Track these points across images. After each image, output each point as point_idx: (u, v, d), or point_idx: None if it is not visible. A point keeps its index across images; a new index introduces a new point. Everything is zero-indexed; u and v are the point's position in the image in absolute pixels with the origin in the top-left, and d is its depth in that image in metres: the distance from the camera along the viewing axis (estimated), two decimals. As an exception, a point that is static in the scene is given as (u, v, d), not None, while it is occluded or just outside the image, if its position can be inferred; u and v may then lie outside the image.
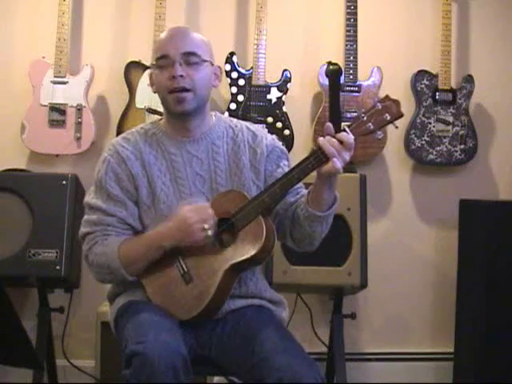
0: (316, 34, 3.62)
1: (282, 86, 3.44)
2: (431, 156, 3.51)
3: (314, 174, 2.06)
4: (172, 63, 2.12)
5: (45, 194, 3.05)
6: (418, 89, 3.52)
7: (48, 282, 3.12)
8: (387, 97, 2.03)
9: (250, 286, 2.19)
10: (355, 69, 3.46)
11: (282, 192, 2.08)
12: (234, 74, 3.43)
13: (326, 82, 3.43)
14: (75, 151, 3.37)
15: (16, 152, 3.44)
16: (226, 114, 3.35)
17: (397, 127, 2.05)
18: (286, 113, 3.43)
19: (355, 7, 3.45)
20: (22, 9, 3.50)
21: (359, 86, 3.47)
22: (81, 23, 3.51)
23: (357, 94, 3.47)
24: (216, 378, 3.01)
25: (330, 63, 3.44)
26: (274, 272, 3.03)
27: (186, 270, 2.09)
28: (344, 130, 2.01)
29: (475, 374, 3.17)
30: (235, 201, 2.10)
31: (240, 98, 3.42)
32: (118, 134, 3.32)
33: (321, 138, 2.00)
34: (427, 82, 3.52)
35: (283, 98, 3.44)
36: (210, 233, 2.04)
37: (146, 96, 3.36)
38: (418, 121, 3.50)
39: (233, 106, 3.41)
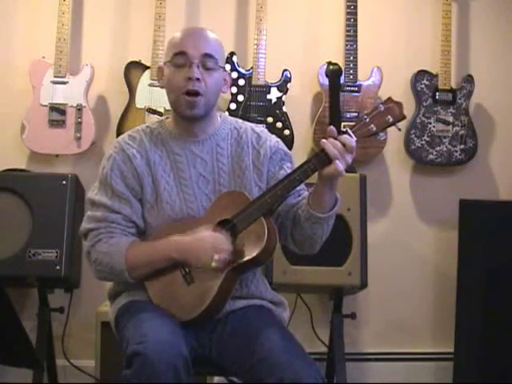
0: (316, 34, 3.62)
1: (282, 86, 3.45)
2: (431, 156, 3.51)
3: (315, 174, 2.05)
4: (190, 64, 2.10)
5: (45, 193, 3.05)
6: (418, 89, 3.52)
7: (48, 282, 3.12)
8: (390, 99, 2.03)
9: (251, 288, 2.19)
10: (355, 69, 3.46)
11: (284, 193, 2.07)
12: (234, 74, 3.43)
13: (326, 82, 3.43)
14: (75, 151, 3.37)
15: (16, 152, 3.44)
16: (226, 113, 3.35)
17: (399, 129, 2.06)
18: (285, 113, 3.43)
19: (355, 7, 3.45)
20: (22, 9, 3.50)
21: (359, 86, 3.47)
22: (81, 23, 3.51)
23: (357, 93, 3.47)
24: (216, 378, 3.01)
25: (329, 63, 3.45)
26: (274, 272, 3.03)
27: (187, 270, 2.09)
28: (346, 132, 2.00)
29: (475, 374, 3.17)
30: (237, 202, 2.09)
31: (240, 97, 3.42)
32: (118, 133, 3.32)
33: (323, 140, 2.00)
34: (427, 82, 3.52)
35: (283, 98, 3.44)
36: (214, 264, 2.02)
37: (146, 96, 3.36)
38: (418, 121, 3.50)
39: (233, 106, 3.41)
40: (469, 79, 3.55)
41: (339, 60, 3.47)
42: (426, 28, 3.64)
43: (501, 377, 3.07)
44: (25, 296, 3.40)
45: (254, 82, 3.43)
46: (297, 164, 2.09)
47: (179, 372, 1.85)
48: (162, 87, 2.22)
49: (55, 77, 3.35)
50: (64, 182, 3.07)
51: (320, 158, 2.00)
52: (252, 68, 3.43)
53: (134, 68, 3.40)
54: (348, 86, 3.46)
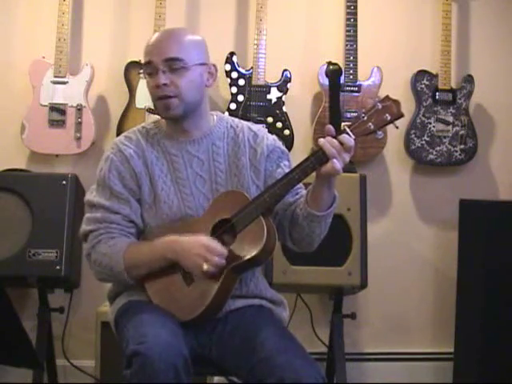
0: (316, 34, 3.62)
1: (282, 86, 3.45)
2: (431, 156, 3.51)
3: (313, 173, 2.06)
4: (156, 71, 2.12)
5: (45, 193, 3.05)
6: (418, 89, 3.52)
7: (48, 282, 3.12)
8: (387, 97, 2.03)
9: (251, 286, 2.19)
10: (355, 69, 3.46)
11: (283, 192, 2.08)
12: (234, 74, 3.43)
13: (326, 82, 3.43)
14: (75, 151, 3.37)
15: (16, 152, 3.44)
16: (226, 113, 3.35)
17: (397, 127, 2.05)
18: (285, 113, 3.43)
19: (355, 7, 3.45)
20: (22, 9, 3.50)
21: (359, 86, 3.47)
22: (81, 23, 3.51)
23: (357, 93, 3.47)
24: (216, 378, 3.01)
25: (329, 63, 3.44)
26: (274, 272, 3.03)
27: (187, 271, 2.09)
28: (344, 130, 2.01)
29: (475, 374, 3.17)
30: (236, 201, 2.09)
31: (240, 98, 3.42)
32: (118, 133, 3.32)
33: (321, 139, 2.00)
34: (427, 82, 3.52)
35: (283, 98, 3.44)
36: (205, 270, 2.00)
37: (146, 96, 3.32)
38: (418, 121, 3.50)
39: (233, 106, 3.41)
40: (469, 79, 3.55)
41: (339, 60, 3.47)
42: (425, 28, 3.64)
43: (501, 377, 3.07)
44: (25, 296, 3.40)
45: (253, 82, 3.42)
46: (295, 163, 2.09)
47: (179, 372, 1.85)
48: None
49: (55, 77, 3.35)
50: (64, 182, 3.07)
51: (318, 157, 2.01)
52: (252, 68, 3.43)
53: (133, 68, 3.40)
54: (348, 86, 3.46)
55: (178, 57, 2.12)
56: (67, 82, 3.36)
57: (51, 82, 3.35)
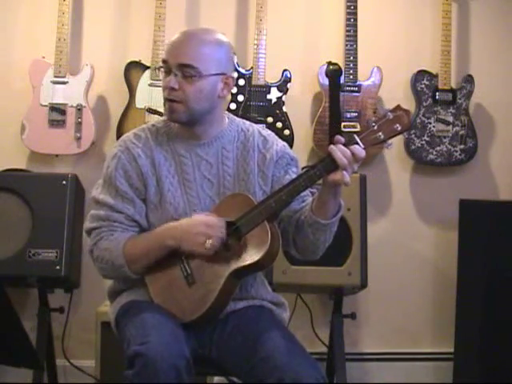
0: (316, 34, 3.62)
1: (282, 86, 3.44)
2: (431, 156, 3.51)
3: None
4: (169, 71, 2.10)
5: (45, 193, 3.05)
6: (418, 89, 3.52)
7: (48, 282, 3.12)
8: (399, 107, 1.99)
9: (251, 292, 2.19)
10: (355, 69, 3.46)
11: (289, 198, 2.05)
12: (234, 74, 3.43)
13: (326, 82, 3.43)
14: (75, 151, 3.37)
15: (16, 152, 3.43)
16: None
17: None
18: (285, 113, 3.43)
19: (355, 7, 3.45)
20: (23, 9, 3.50)
21: (359, 86, 3.47)
22: (81, 23, 3.51)
23: (357, 94, 3.47)
24: (216, 378, 3.02)
25: (329, 63, 3.44)
26: (274, 272, 3.03)
27: (189, 271, 2.08)
28: (354, 139, 1.97)
29: (475, 374, 3.17)
30: (241, 204, 2.08)
31: (240, 97, 3.42)
32: (118, 133, 3.33)
33: (332, 147, 1.97)
34: (427, 82, 3.52)
35: (283, 98, 3.44)
36: (209, 247, 2.02)
37: (146, 96, 3.36)
38: (418, 121, 3.50)
39: (233, 106, 3.41)
40: (469, 79, 3.55)
41: (339, 60, 3.47)
42: (425, 28, 3.64)
43: (501, 377, 3.07)
44: (25, 296, 3.40)
45: (254, 82, 3.42)
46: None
47: (181, 373, 1.85)
48: None
49: (55, 77, 3.35)
50: (64, 182, 3.07)
51: (326, 165, 1.98)
52: (252, 68, 3.43)
53: (133, 68, 3.40)
54: (348, 86, 3.46)
55: (193, 65, 2.07)
56: (67, 82, 3.36)
57: (51, 82, 3.35)
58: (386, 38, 3.64)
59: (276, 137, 2.28)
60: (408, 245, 3.66)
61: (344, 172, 1.95)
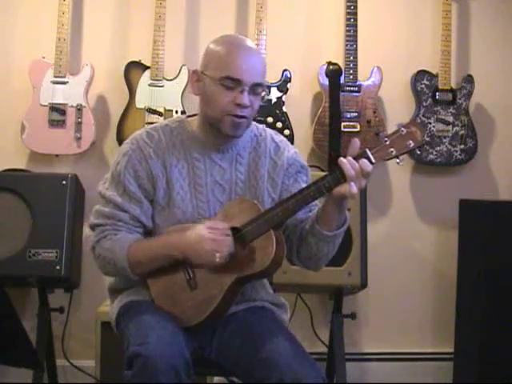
0: (316, 34, 3.62)
1: (282, 86, 3.44)
2: (431, 156, 3.51)
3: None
4: (241, 90, 2.04)
5: (45, 193, 3.05)
6: (418, 89, 3.52)
7: (48, 282, 3.12)
8: (412, 122, 1.96)
9: (252, 293, 2.19)
10: (355, 69, 3.45)
11: (296, 209, 2.03)
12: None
13: (326, 82, 3.43)
14: (75, 151, 3.37)
15: (16, 152, 3.43)
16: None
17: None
18: (285, 113, 3.43)
19: (355, 7, 3.45)
20: (23, 9, 3.50)
21: (359, 86, 3.47)
22: (81, 23, 3.51)
23: (357, 93, 3.47)
24: (216, 378, 3.01)
25: (329, 63, 3.44)
26: (274, 272, 3.03)
27: (191, 276, 2.07)
28: (365, 153, 1.95)
29: (475, 374, 3.17)
30: (247, 211, 2.06)
31: (240, 97, 3.42)
32: (118, 133, 3.33)
33: (342, 159, 1.95)
34: (427, 82, 3.52)
35: (283, 98, 3.44)
36: (217, 262, 2.01)
37: (146, 96, 3.36)
38: (418, 121, 3.49)
39: (233, 106, 3.41)
40: (469, 79, 3.55)
41: (339, 60, 3.47)
42: (426, 28, 3.64)
43: (501, 377, 3.07)
44: (25, 296, 3.40)
45: (254, 82, 3.42)
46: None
47: (180, 373, 1.85)
48: (197, 95, 2.14)
49: (55, 77, 3.35)
50: (64, 182, 3.07)
51: (335, 177, 1.96)
52: (252, 68, 3.43)
53: (134, 68, 3.39)
54: (348, 86, 3.46)
55: (263, 83, 2.09)
56: (67, 82, 3.36)
57: (51, 82, 3.35)
58: (386, 38, 3.64)
59: (288, 143, 2.26)
60: (408, 245, 3.66)
61: (352, 183, 1.93)
